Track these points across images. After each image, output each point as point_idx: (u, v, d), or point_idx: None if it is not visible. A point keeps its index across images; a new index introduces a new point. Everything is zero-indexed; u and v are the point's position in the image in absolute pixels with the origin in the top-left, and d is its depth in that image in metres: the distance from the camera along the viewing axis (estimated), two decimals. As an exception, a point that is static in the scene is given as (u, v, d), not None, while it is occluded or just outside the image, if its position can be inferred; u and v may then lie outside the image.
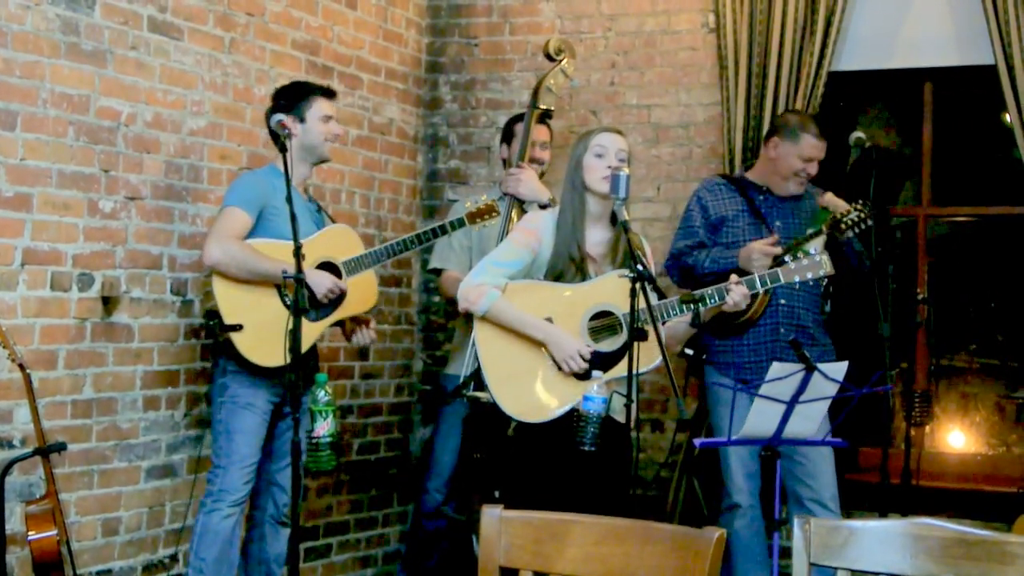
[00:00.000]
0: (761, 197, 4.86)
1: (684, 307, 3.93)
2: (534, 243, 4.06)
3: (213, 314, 4.36)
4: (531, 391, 3.95)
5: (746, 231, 4.79)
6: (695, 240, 4.85)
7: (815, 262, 4.05)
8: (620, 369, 3.81)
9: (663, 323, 3.94)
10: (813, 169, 4.76)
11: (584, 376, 3.90)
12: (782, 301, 4.76)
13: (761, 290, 4.09)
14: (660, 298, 3.91)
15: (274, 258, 4.24)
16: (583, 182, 4.02)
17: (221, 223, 4.33)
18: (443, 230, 4.66)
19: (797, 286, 4.49)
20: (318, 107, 4.53)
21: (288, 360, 4.01)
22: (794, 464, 4.69)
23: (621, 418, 3.83)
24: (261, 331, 4.29)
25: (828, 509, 4.65)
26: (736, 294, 3.98)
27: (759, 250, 4.55)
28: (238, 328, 4.27)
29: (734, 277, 4.05)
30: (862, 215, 4.51)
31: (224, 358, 4.43)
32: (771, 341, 4.74)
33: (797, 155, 4.73)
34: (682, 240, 4.91)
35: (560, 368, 3.93)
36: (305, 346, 4.17)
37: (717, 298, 3.97)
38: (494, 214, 4.68)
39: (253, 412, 4.39)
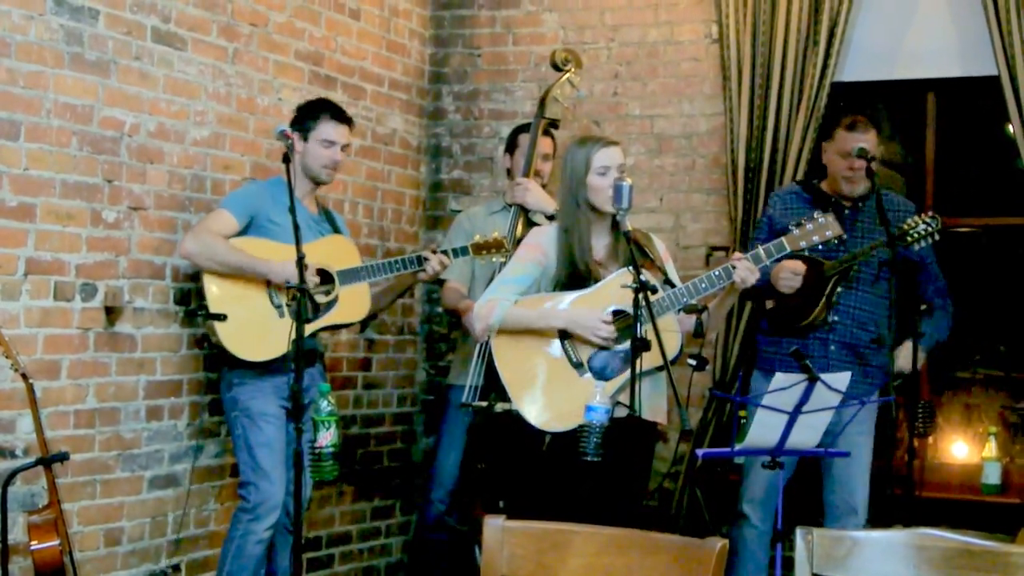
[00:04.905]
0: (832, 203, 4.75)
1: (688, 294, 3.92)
2: (540, 257, 4.07)
3: (202, 305, 4.40)
4: (554, 401, 3.97)
5: None
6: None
7: (820, 224, 3.99)
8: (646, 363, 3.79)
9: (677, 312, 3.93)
10: (859, 164, 4.66)
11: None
12: (851, 305, 4.68)
13: (767, 261, 4.01)
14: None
15: (250, 254, 4.29)
16: (588, 202, 4.01)
17: (205, 220, 4.44)
18: (445, 254, 4.62)
19: (856, 287, 4.46)
20: (323, 129, 4.52)
21: (273, 356, 4.11)
22: (831, 475, 4.71)
23: (648, 416, 3.92)
24: (245, 325, 4.34)
25: (857, 515, 4.64)
26: (742, 270, 3.91)
27: (788, 268, 4.44)
28: (222, 318, 4.31)
29: (737, 254, 4.00)
30: (930, 228, 4.51)
31: (227, 369, 4.45)
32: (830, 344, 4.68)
33: (836, 152, 4.71)
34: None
35: (594, 344, 3.92)
36: (289, 343, 4.09)
37: (725, 278, 3.94)
38: (502, 249, 4.62)
39: (268, 422, 4.41)
